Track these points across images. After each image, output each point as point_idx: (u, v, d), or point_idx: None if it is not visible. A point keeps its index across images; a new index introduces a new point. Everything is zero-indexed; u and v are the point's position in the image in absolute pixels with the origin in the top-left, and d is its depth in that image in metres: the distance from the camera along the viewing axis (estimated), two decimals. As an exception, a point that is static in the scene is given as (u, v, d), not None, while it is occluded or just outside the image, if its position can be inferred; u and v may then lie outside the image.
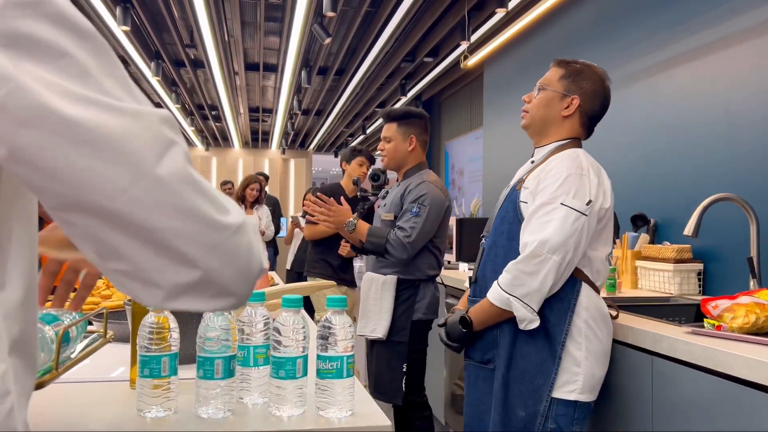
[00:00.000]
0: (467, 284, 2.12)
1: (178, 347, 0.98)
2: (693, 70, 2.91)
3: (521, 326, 1.77)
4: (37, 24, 0.52)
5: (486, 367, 1.90)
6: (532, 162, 1.96)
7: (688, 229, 2.27)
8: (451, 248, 4.30)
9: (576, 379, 1.76)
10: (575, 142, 1.93)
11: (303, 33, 5.35)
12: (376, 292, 2.74)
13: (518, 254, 1.79)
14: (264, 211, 6.32)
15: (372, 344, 2.81)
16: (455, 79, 7.20)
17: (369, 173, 3.41)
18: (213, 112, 10.15)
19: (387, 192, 2.97)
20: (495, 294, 1.80)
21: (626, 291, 2.85)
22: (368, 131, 11.23)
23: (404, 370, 2.70)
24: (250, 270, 0.63)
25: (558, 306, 1.78)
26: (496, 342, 1.86)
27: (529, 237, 1.76)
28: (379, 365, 2.76)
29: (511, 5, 4.43)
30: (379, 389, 2.75)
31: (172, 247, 0.56)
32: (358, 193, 3.45)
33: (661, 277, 2.75)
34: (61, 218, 0.55)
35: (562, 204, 1.74)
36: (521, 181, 1.91)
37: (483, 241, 2.03)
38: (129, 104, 0.56)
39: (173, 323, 0.98)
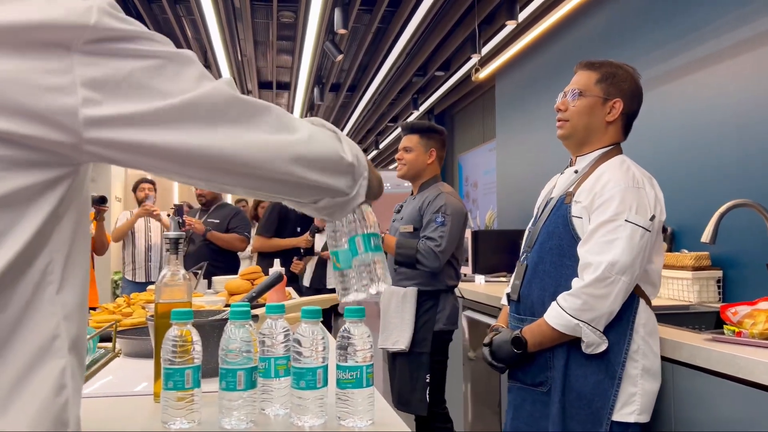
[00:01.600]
0: (504, 301, 2.03)
1: (201, 360, 1.00)
2: (704, 78, 2.91)
3: (587, 350, 1.67)
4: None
5: (537, 389, 1.79)
6: (575, 172, 1.86)
7: (706, 236, 2.26)
8: (467, 261, 4.30)
9: (633, 399, 1.67)
10: (618, 148, 1.85)
11: (315, 51, 5.42)
12: (397, 305, 2.76)
13: (571, 272, 1.71)
14: None
15: (394, 357, 2.83)
16: (467, 92, 7.23)
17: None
18: (227, 131, 10.24)
19: (401, 206, 3.02)
20: (559, 319, 1.67)
21: (644, 299, 2.83)
22: (381, 146, 11.28)
23: (427, 380, 2.72)
24: (336, 168, 0.80)
25: (617, 325, 1.68)
26: (549, 364, 1.75)
27: (593, 257, 1.65)
28: (401, 377, 2.78)
29: (521, 17, 4.46)
30: (402, 401, 2.77)
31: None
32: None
33: (679, 285, 2.73)
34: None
35: (627, 221, 1.64)
36: (569, 194, 1.79)
37: (524, 257, 1.91)
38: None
39: (195, 336, 0.99)
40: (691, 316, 2.50)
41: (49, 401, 0.59)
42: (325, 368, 0.99)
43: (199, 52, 6.28)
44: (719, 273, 2.68)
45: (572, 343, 1.70)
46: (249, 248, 4.74)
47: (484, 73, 5.03)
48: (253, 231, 4.52)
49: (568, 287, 1.69)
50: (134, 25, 0.61)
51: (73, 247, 0.64)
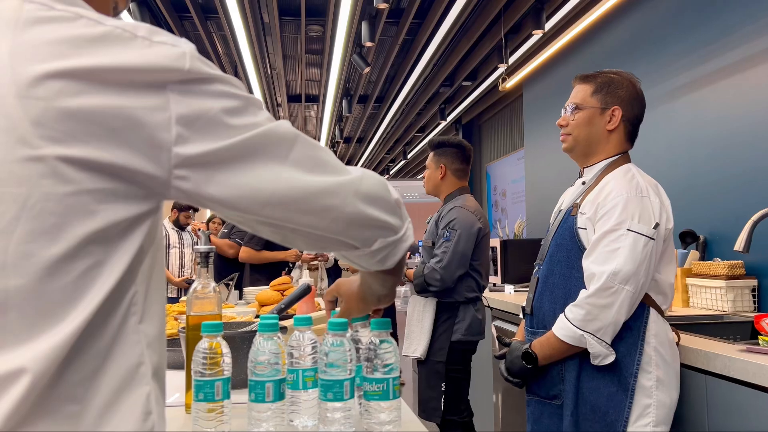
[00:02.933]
0: (522, 315, 2.03)
1: (231, 372, 1.02)
2: (735, 84, 2.86)
3: (595, 362, 1.67)
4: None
5: (552, 402, 1.78)
6: (583, 183, 1.87)
7: (739, 245, 2.22)
8: (496, 271, 4.28)
9: (648, 411, 1.65)
10: (624, 156, 1.85)
11: (343, 63, 5.48)
12: (418, 314, 2.88)
13: (579, 283, 1.72)
14: None
15: (418, 365, 2.93)
16: (494, 101, 7.22)
17: None
18: (257, 144, 10.39)
19: (429, 219, 3.12)
20: (565, 330, 1.68)
21: (677, 309, 2.79)
22: (409, 156, 11.30)
23: (442, 389, 2.78)
24: (387, 209, 0.80)
25: (628, 335, 1.67)
26: (562, 376, 1.75)
27: (596, 267, 1.65)
28: (420, 384, 2.88)
29: (547, 27, 4.44)
30: (421, 407, 2.86)
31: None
32: None
33: (713, 294, 2.68)
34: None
35: (629, 230, 1.64)
36: (575, 205, 1.80)
37: (536, 270, 1.92)
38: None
39: (225, 348, 1.02)
40: (726, 326, 2.45)
41: (137, 427, 0.62)
42: (352, 380, 1.01)
43: (229, 67, 6.40)
44: (754, 282, 2.62)
45: (584, 355, 1.69)
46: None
47: (511, 83, 5.02)
48: None
49: (575, 297, 1.69)
50: (217, 70, 0.66)
51: (152, 278, 0.67)
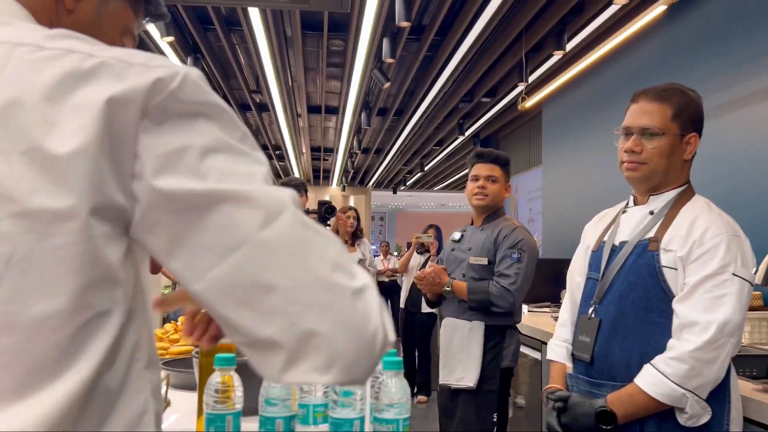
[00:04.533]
0: (554, 356, 1.78)
1: (242, 405, 1.03)
2: (759, 111, 2.83)
3: (688, 423, 1.44)
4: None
5: None
6: (651, 213, 1.63)
7: (758, 278, 2.18)
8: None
9: None
10: (691, 187, 1.66)
11: (363, 77, 5.51)
12: (461, 339, 2.62)
13: (660, 329, 1.50)
14: (366, 246, 5.49)
15: (453, 395, 2.67)
16: (513, 117, 7.21)
17: (326, 206, 3.65)
18: (277, 152, 10.47)
19: (462, 234, 2.86)
20: (661, 387, 1.42)
21: (693, 339, 2.76)
22: (426, 168, 11.31)
23: (495, 420, 2.57)
24: (371, 341, 0.58)
25: (716, 392, 1.46)
26: None
27: (701, 316, 1.42)
28: (466, 415, 2.61)
29: (568, 47, 4.44)
30: None
31: (278, 310, 0.55)
32: None
33: (730, 325, 2.65)
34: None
35: (734, 275, 1.45)
36: (653, 240, 1.56)
37: (591, 310, 1.65)
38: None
39: (237, 381, 1.03)
40: (742, 358, 2.41)
41: None
42: (362, 420, 1.01)
43: (251, 78, 6.46)
44: (773, 315, 2.59)
45: (666, 411, 1.46)
46: None
47: (530, 102, 5.01)
48: None
49: (658, 348, 1.47)
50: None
51: (147, 315, 0.64)
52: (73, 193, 0.53)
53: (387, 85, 5.20)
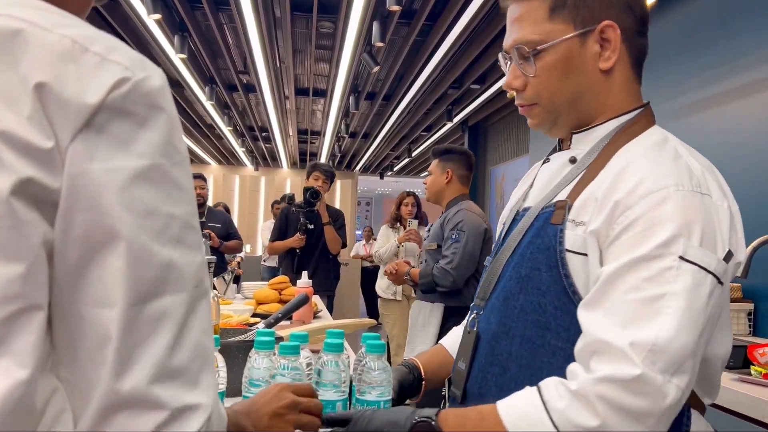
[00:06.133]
0: (444, 341, 1.29)
1: (225, 386, 1.03)
2: (741, 107, 2.86)
3: None
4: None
5: None
6: (572, 161, 1.01)
7: (739, 269, 2.22)
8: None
9: None
10: (646, 113, 1.00)
11: (352, 60, 5.48)
12: (424, 319, 2.87)
13: (562, 359, 0.87)
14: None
15: None
16: (501, 105, 7.21)
17: (311, 191, 3.80)
18: (263, 134, 10.40)
19: (431, 225, 3.16)
20: (534, 426, 0.80)
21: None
22: (414, 154, 11.30)
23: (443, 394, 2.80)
24: None
25: None
26: None
27: (617, 334, 0.78)
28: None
29: (559, 35, 4.43)
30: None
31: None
32: (293, 209, 3.97)
33: (709, 316, 2.69)
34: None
35: (682, 259, 0.80)
36: (560, 205, 0.94)
37: (472, 317, 1.05)
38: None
39: (221, 362, 1.03)
40: (720, 349, 2.46)
41: None
42: (345, 401, 1.01)
43: (238, 59, 6.39)
44: (750, 306, 2.63)
45: None
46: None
47: (519, 89, 5.00)
48: None
49: None
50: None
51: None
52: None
53: (376, 69, 5.17)
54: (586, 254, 0.88)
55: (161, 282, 0.51)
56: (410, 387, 1.14)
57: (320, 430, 0.90)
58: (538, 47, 0.95)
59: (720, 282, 0.82)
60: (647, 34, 1.01)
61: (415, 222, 4.31)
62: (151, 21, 4.75)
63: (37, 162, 0.49)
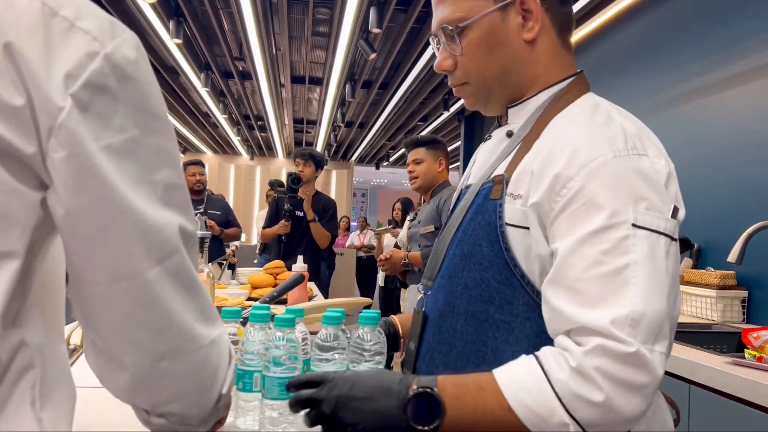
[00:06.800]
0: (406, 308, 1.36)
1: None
2: (739, 94, 2.86)
3: None
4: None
5: None
6: (509, 135, 1.01)
7: (732, 256, 2.23)
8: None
9: None
10: (580, 81, 0.99)
11: (349, 48, 5.45)
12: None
13: (508, 336, 0.89)
14: None
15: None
16: (499, 94, 7.20)
17: (291, 177, 3.83)
18: (259, 123, 10.36)
19: (415, 215, 3.27)
20: (537, 401, 0.76)
21: (667, 316, 2.81)
22: (410, 144, 11.26)
23: None
24: (209, 391, 0.65)
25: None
26: None
27: (586, 315, 0.77)
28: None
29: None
30: None
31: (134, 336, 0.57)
32: (277, 195, 4.09)
33: (703, 303, 2.70)
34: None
35: (635, 226, 0.80)
36: (498, 179, 0.94)
37: (420, 297, 1.06)
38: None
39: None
40: (713, 335, 2.47)
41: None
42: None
43: (234, 45, 6.36)
44: (744, 293, 2.64)
45: None
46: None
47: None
48: None
49: (498, 362, 0.83)
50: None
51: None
52: None
53: (373, 56, 5.15)
54: (527, 227, 0.88)
55: (166, 242, 0.57)
56: (388, 340, 1.11)
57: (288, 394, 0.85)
58: (461, 24, 0.96)
59: (673, 239, 0.83)
60: (570, 2, 1.02)
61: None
62: (146, 5, 4.71)
63: (4, 117, 0.50)
